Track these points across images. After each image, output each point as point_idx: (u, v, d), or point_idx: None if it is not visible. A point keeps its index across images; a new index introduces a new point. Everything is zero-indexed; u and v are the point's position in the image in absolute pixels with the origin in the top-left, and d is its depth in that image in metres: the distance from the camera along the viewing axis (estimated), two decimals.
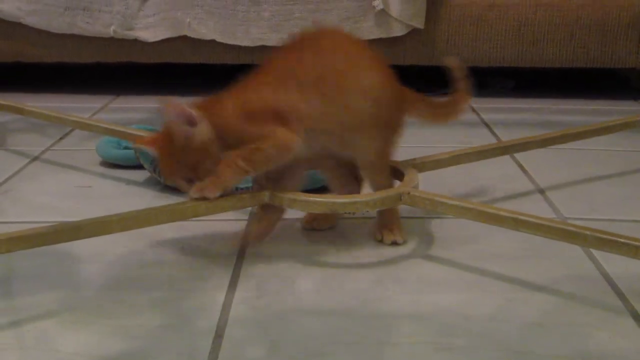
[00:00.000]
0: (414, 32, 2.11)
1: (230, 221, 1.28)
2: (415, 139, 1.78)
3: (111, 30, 2.13)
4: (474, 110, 2.09)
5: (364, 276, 1.10)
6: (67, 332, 0.95)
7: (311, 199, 1.10)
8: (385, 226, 1.20)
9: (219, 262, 1.14)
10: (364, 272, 1.12)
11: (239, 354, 0.90)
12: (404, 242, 1.19)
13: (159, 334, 0.95)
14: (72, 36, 2.17)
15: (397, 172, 1.21)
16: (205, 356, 0.89)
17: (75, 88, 2.33)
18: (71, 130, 1.85)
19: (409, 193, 1.11)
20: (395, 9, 2.06)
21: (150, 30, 2.13)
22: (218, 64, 2.19)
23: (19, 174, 1.55)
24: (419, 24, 2.09)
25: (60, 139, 1.81)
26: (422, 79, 2.34)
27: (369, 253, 1.17)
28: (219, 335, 0.94)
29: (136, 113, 2.03)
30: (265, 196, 1.11)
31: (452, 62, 1.24)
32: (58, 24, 2.15)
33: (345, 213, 1.24)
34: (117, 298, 1.04)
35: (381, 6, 2.05)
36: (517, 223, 1.03)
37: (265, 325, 0.97)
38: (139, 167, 1.52)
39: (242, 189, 1.37)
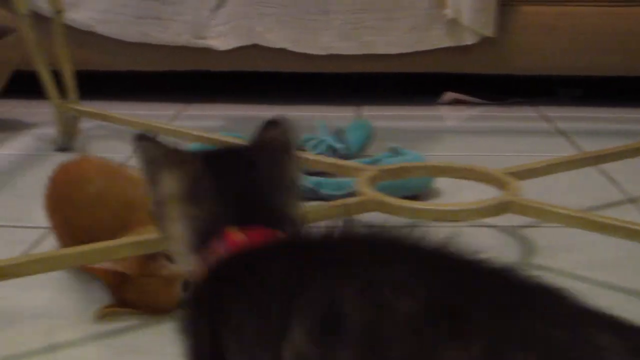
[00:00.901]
0: (484, 41, 2.11)
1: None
2: (490, 148, 1.79)
3: (183, 38, 2.15)
4: (546, 118, 2.09)
5: None
6: None
7: (418, 206, 1.10)
8: None
9: None
10: None
11: None
12: None
13: None
14: (144, 45, 2.19)
15: (496, 181, 1.22)
16: None
17: (145, 96, 2.35)
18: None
19: (516, 201, 1.11)
20: (466, 18, 2.06)
21: (221, 38, 2.15)
22: (288, 72, 2.20)
23: None
24: (490, 32, 2.09)
25: None
26: (492, 88, 2.36)
27: None
28: None
29: (210, 121, 2.05)
30: (372, 204, 1.11)
31: None
32: (130, 32, 2.18)
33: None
34: None
35: (452, 15, 2.06)
36: (629, 233, 1.03)
37: None
38: None
39: (336, 196, 1.38)
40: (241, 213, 0.67)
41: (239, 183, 0.68)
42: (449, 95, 2.28)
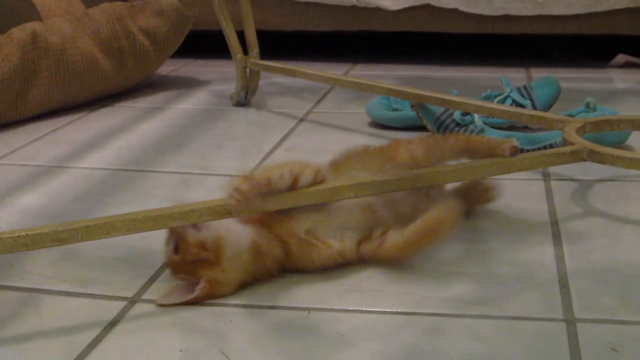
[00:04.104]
0: None
1: (525, 180, 1.29)
2: None
3: None
4: None
5: None
6: (414, 276, 0.99)
7: (636, 156, 1.09)
8: None
9: (532, 218, 1.16)
10: None
11: (593, 303, 0.91)
12: None
13: (506, 281, 0.97)
14: (315, 5, 2.22)
15: None
16: (559, 304, 0.91)
17: (309, 57, 2.37)
18: (326, 94, 1.91)
19: None
20: None
21: None
22: (457, 34, 2.20)
23: (293, 133, 1.61)
24: None
25: (318, 102, 1.86)
26: None
27: None
28: (563, 285, 0.95)
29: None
30: (584, 153, 1.10)
31: None
32: None
33: None
34: (447, 248, 1.07)
35: None
36: None
37: (606, 278, 0.97)
38: (409, 128, 1.56)
39: (528, 150, 1.38)
40: None
41: None
42: (621, 58, 2.24)
